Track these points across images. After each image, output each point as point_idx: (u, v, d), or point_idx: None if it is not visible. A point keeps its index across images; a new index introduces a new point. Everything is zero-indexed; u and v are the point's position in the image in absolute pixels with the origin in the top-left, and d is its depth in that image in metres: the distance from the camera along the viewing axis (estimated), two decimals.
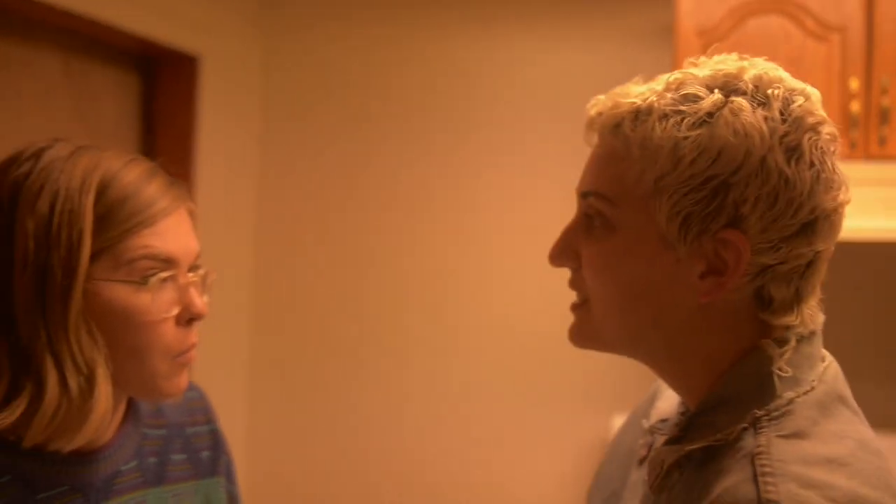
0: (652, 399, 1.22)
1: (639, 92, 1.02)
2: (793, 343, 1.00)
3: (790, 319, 1.00)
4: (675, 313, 1.01)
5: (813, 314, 1.03)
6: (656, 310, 1.01)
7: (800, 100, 0.99)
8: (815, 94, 1.01)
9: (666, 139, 0.97)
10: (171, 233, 1.13)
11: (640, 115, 1.00)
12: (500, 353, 2.86)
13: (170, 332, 1.12)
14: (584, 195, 1.05)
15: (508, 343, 2.84)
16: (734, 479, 0.93)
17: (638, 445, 1.19)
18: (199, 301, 1.15)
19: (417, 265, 2.94)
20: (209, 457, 1.32)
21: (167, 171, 1.17)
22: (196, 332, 1.16)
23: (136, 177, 1.12)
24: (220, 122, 2.76)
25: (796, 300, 1.00)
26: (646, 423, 1.18)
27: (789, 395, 0.98)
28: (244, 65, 2.97)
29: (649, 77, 1.06)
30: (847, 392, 1.03)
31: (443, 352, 2.90)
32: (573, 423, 2.82)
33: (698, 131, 0.96)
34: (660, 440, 1.10)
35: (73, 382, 1.06)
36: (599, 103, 1.04)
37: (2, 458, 1.08)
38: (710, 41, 2.31)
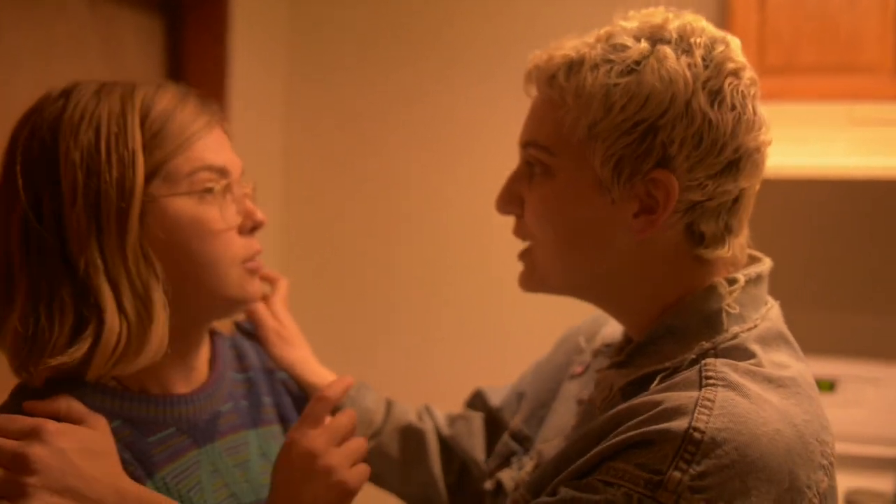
0: (592, 323, 1.33)
1: (572, 45, 1.09)
2: (741, 283, 1.08)
3: (722, 252, 1.08)
4: (614, 253, 1.08)
5: (744, 250, 1.12)
6: (595, 250, 1.09)
7: (721, 47, 1.06)
8: (735, 42, 1.08)
9: (598, 87, 1.04)
10: (219, 145, 1.15)
11: (573, 66, 1.07)
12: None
13: (236, 240, 1.14)
14: (524, 145, 1.12)
15: None
16: (680, 385, 1.01)
17: (572, 362, 1.30)
18: (258, 210, 1.17)
19: (449, 194, 2.95)
20: (289, 402, 1.34)
21: None
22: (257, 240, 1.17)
23: (172, 97, 1.13)
24: (248, 67, 2.73)
25: (726, 233, 1.08)
26: (584, 344, 1.30)
27: (735, 329, 1.06)
28: (272, 6, 2.94)
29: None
30: (787, 332, 1.11)
31: (479, 278, 2.91)
32: None
33: (627, 79, 1.04)
34: (602, 362, 1.20)
35: (131, 309, 1.06)
36: (536, 57, 1.12)
37: (109, 403, 1.10)
38: None
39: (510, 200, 1.15)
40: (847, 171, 2.45)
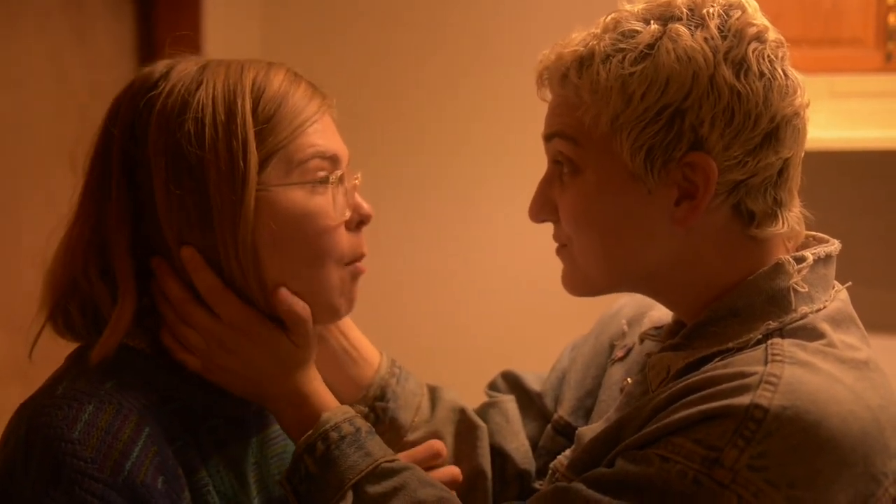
0: (636, 306, 1.26)
1: (580, 39, 1.04)
2: (810, 261, 1.03)
3: (777, 229, 1.02)
4: (659, 244, 1.03)
5: (801, 222, 1.06)
6: (638, 244, 1.04)
7: (737, 13, 1.01)
8: (751, 4, 1.03)
9: (613, 79, 0.99)
10: (331, 132, 1.08)
11: (583, 61, 1.02)
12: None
13: (345, 237, 1.07)
14: (548, 138, 1.07)
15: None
16: (744, 361, 0.97)
17: (614, 346, 1.24)
18: (366, 203, 1.10)
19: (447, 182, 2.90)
20: None
21: None
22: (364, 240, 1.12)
23: (283, 79, 1.06)
24: (221, 41, 2.68)
25: (777, 208, 1.02)
26: (627, 328, 1.23)
27: (804, 309, 1.01)
28: None
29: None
30: (856, 316, 1.06)
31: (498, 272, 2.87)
32: None
33: (642, 65, 0.98)
34: (650, 346, 1.14)
35: None
36: (544, 58, 1.06)
37: (172, 383, 1.06)
38: None
39: (543, 207, 1.09)
40: (828, 143, 2.45)
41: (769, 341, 0.98)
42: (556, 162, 1.07)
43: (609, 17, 1.04)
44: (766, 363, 0.95)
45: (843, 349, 0.99)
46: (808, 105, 1.04)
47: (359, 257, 1.10)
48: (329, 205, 1.05)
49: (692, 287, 1.05)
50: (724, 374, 0.96)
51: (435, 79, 2.88)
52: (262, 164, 1.02)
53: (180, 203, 1.01)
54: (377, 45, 2.91)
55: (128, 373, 1.03)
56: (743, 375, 0.94)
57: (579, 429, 1.13)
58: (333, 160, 1.07)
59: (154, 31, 2.62)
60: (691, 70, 0.98)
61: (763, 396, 0.92)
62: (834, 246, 1.08)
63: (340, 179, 1.07)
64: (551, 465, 1.14)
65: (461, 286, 2.90)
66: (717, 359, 1.00)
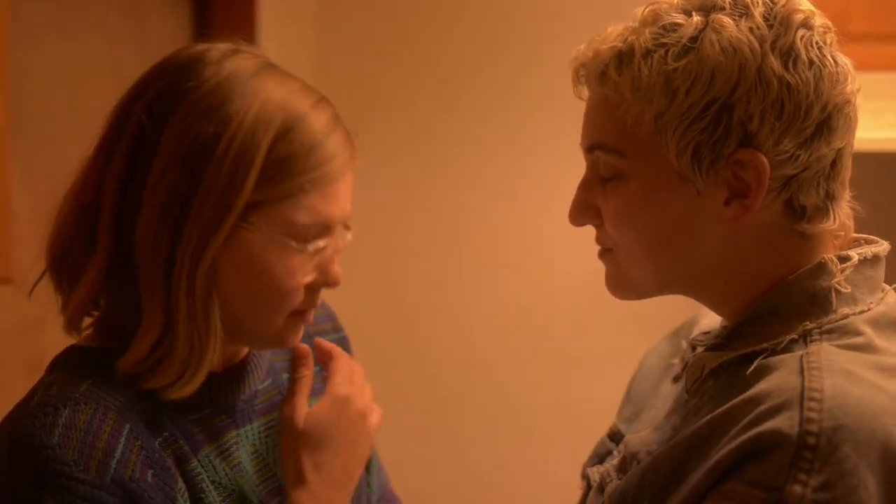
0: (690, 324, 1.24)
1: (617, 34, 1.01)
2: (854, 261, 1.00)
3: (828, 224, 0.99)
4: (709, 245, 1.01)
5: (850, 216, 1.03)
6: (687, 246, 1.01)
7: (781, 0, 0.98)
8: None
9: (655, 76, 0.96)
10: (340, 195, 1.06)
11: (623, 57, 0.98)
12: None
13: (301, 294, 1.07)
14: (589, 149, 1.04)
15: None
16: (780, 375, 0.93)
17: (673, 364, 1.21)
18: (338, 270, 1.09)
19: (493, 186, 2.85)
20: None
21: None
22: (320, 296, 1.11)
23: (323, 124, 1.03)
24: (276, 32, 2.67)
25: (829, 202, 1.00)
26: (685, 344, 1.20)
27: (844, 311, 0.98)
28: None
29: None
30: None
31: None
32: None
33: (686, 59, 0.95)
34: (699, 350, 1.10)
35: (185, 329, 1.01)
36: (580, 54, 1.04)
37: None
38: None
39: (584, 212, 1.07)
40: None
41: (805, 349, 0.96)
42: (597, 169, 1.04)
43: (647, 10, 1.00)
44: (801, 373, 0.92)
45: (883, 354, 0.96)
46: (858, 91, 1.01)
47: (309, 308, 1.10)
48: (298, 267, 1.04)
49: (737, 286, 1.03)
50: (758, 396, 0.92)
51: (492, 78, 2.85)
52: (254, 204, 1.01)
53: (168, 193, 1.00)
54: (432, 45, 2.88)
55: (103, 373, 1.03)
56: (780, 393, 0.91)
57: (627, 436, 1.12)
58: (326, 227, 1.05)
59: (210, 27, 2.62)
60: (737, 62, 0.95)
61: (811, 419, 0.88)
62: (883, 247, 1.05)
63: (320, 251, 1.05)
64: (600, 472, 1.13)
65: (474, 285, 2.89)
66: (751, 359, 0.97)
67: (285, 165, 1.01)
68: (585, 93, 1.05)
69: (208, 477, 1.06)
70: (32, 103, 1.69)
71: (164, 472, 1.00)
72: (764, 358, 0.97)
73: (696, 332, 1.17)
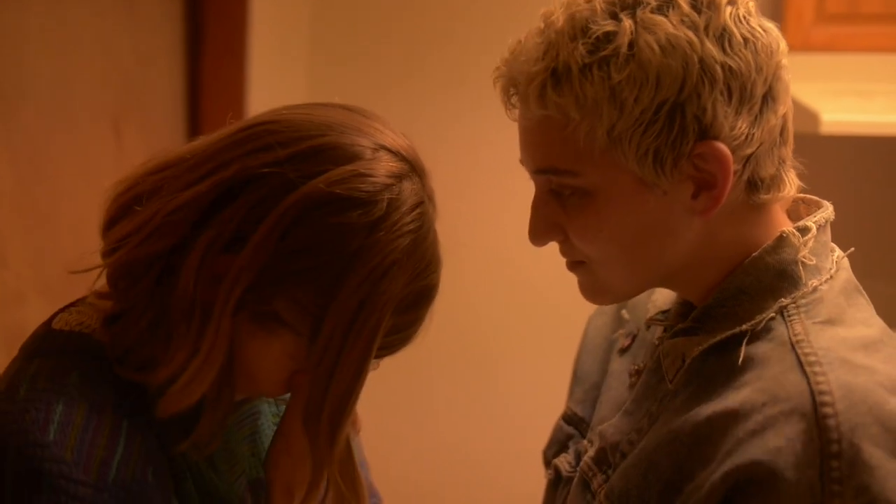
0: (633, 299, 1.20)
1: (539, 49, 0.96)
2: (814, 232, 1.01)
3: (785, 191, 1.00)
4: (680, 241, 1.00)
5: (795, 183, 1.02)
6: (660, 247, 1.01)
7: None
8: None
9: (600, 90, 0.93)
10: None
11: (559, 77, 0.94)
12: None
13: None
14: (539, 173, 1.01)
15: None
16: (777, 369, 0.94)
17: (617, 336, 1.20)
18: None
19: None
20: None
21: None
22: None
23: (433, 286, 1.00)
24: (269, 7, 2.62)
25: (782, 169, 1.00)
26: (627, 315, 1.19)
27: (813, 282, 0.99)
28: None
29: None
30: (858, 283, 1.04)
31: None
32: None
33: (628, 69, 0.92)
34: (657, 332, 1.10)
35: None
36: (503, 75, 1.00)
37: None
38: None
39: (547, 232, 1.04)
40: None
41: (786, 328, 0.97)
42: (551, 190, 1.01)
43: (564, 17, 0.96)
44: (800, 368, 0.93)
45: (861, 326, 0.98)
46: (787, 51, 1.00)
47: None
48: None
49: (708, 269, 1.02)
50: (764, 399, 0.92)
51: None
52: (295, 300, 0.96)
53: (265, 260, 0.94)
54: (424, 48, 2.86)
55: (87, 359, 0.97)
56: (788, 397, 0.91)
57: (600, 427, 1.10)
58: None
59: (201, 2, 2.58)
60: (679, 58, 0.92)
61: (830, 429, 0.89)
62: (829, 210, 1.05)
63: None
64: (580, 467, 1.12)
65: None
66: (734, 343, 0.98)
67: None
68: (515, 113, 1.01)
69: (189, 472, 1.02)
70: (16, 73, 1.65)
71: (161, 465, 0.96)
72: (748, 342, 0.97)
73: (651, 309, 1.15)
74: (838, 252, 1.05)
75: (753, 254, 1.00)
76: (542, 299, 2.77)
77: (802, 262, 1.00)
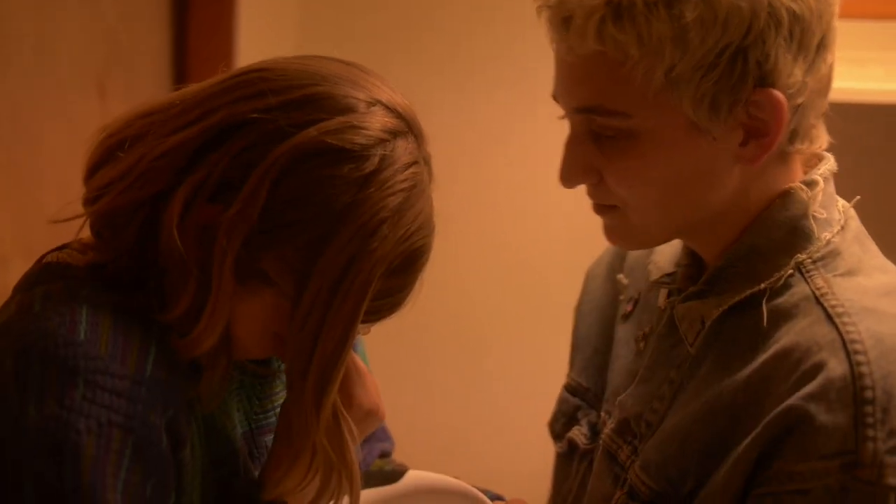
0: (616, 257, 1.20)
1: None
2: (821, 185, 1.00)
3: (820, 142, 1.00)
4: (722, 189, 0.99)
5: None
6: (701, 194, 0.99)
7: None
8: None
9: (665, 29, 0.91)
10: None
11: (621, 12, 0.91)
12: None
13: None
14: (581, 112, 0.98)
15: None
16: (805, 323, 0.94)
17: (617, 302, 1.18)
18: None
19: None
20: None
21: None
22: None
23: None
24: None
25: (817, 120, 1.00)
26: (626, 280, 1.17)
27: (826, 235, 0.99)
28: None
29: None
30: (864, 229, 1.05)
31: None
32: None
33: (699, 9, 0.90)
34: (662, 294, 1.09)
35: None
36: (552, 5, 0.95)
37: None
38: None
39: (583, 173, 1.01)
40: None
41: (807, 284, 0.96)
42: (593, 131, 0.98)
43: None
44: (829, 320, 0.93)
45: (879, 277, 0.99)
46: None
47: None
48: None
49: (729, 220, 1.01)
50: (795, 354, 0.92)
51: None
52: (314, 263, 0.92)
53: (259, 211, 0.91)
54: (409, 45, 2.83)
55: (94, 283, 0.93)
56: (819, 349, 0.91)
57: (619, 398, 1.08)
58: None
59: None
60: (749, 2, 0.90)
61: (862, 373, 0.89)
62: (832, 161, 1.04)
63: None
64: (602, 440, 1.10)
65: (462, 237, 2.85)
66: (754, 303, 0.97)
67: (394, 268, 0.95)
68: (564, 47, 0.97)
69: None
70: None
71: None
72: (768, 300, 0.97)
73: (654, 272, 1.13)
74: (842, 202, 1.04)
75: (763, 213, 1.00)
76: (538, 277, 2.74)
77: (814, 216, 0.98)
